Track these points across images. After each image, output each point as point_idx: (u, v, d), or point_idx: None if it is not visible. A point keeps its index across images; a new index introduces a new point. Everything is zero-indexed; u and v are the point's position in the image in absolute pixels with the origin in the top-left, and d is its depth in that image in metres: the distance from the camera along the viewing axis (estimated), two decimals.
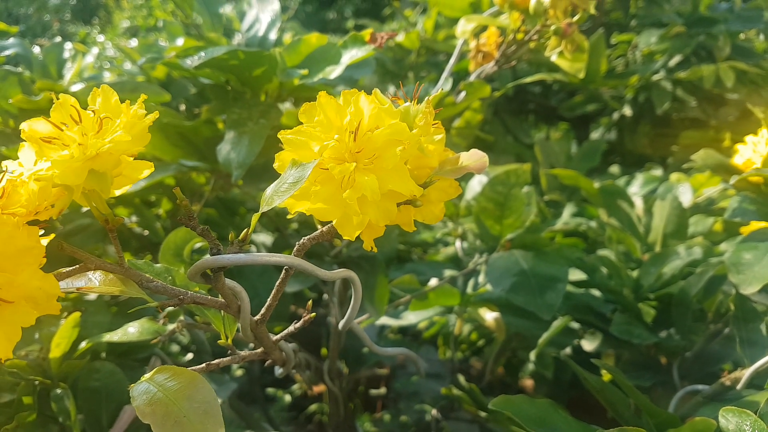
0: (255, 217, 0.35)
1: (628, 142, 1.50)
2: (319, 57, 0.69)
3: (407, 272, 0.98)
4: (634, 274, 0.84)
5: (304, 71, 0.65)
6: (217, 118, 0.84)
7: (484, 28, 0.82)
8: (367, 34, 0.66)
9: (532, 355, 0.88)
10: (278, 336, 0.47)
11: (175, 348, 0.98)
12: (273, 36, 0.75)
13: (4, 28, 1.32)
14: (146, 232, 0.98)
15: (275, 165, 0.37)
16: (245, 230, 0.36)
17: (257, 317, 0.44)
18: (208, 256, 0.37)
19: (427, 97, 0.39)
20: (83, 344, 0.67)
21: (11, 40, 1.06)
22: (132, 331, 0.66)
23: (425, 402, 1.14)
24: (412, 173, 0.42)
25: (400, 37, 1.34)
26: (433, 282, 0.96)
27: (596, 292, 0.89)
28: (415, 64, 1.40)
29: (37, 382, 0.64)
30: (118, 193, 0.41)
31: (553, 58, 0.74)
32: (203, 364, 0.42)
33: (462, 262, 1.04)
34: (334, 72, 0.65)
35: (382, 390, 1.23)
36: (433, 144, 0.42)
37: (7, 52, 1.02)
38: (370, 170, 0.36)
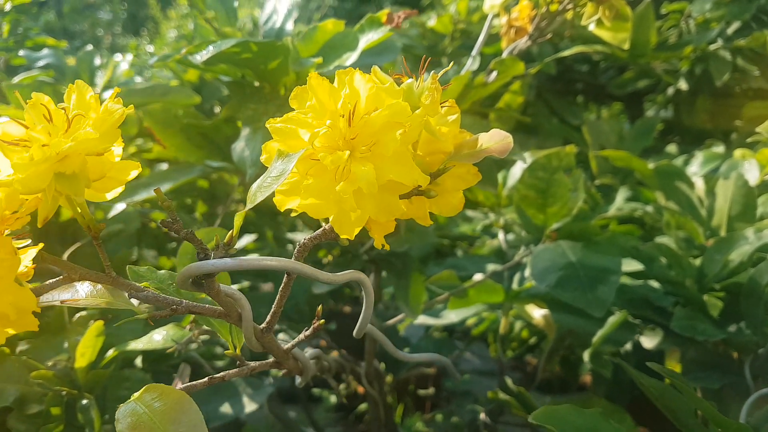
0: (239, 216, 0.31)
1: (686, 118, 1.39)
2: (336, 44, 0.65)
3: (447, 268, 0.93)
4: (697, 262, 0.77)
5: (318, 60, 0.61)
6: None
7: (515, 2, 0.76)
8: (383, 15, 0.62)
9: (586, 355, 0.81)
10: (289, 345, 0.43)
11: (219, 350, 0.96)
12: (290, 26, 0.72)
13: (54, 44, 1.36)
14: None
15: (262, 158, 0.33)
16: (229, 232, 0.32)
17: (263, 325, 0.40)
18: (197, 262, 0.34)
19: (432, 72, 0.34)
20: (110, 352, 0.66)
21: (45, 50, 1.07)
22: (157, 338, 0.65)
23: (478, 401, 1.09)
24: (424, 160, 0.38)
25: (432, 22, 1.28)
26: (478, 277, 0.90)
27: (655, 284, 0.82)
28: (449, 49, 1.33)
29: (64, 393, 0.63)
30: (109, 196, 0.38)
31: (591, 27, 0.68)
32: (206, 378, 0.39)
33: (506, 256, 0.99)
34: (351, 58, 0.61)
35: (431, 390, 1.19)
36: (446, 126, 0.37)
37: (41, 63, 1.04)
38: (368, 159, 0.31)
